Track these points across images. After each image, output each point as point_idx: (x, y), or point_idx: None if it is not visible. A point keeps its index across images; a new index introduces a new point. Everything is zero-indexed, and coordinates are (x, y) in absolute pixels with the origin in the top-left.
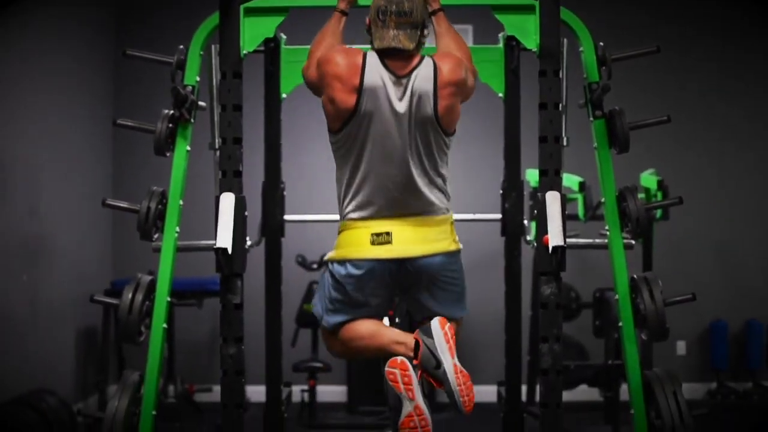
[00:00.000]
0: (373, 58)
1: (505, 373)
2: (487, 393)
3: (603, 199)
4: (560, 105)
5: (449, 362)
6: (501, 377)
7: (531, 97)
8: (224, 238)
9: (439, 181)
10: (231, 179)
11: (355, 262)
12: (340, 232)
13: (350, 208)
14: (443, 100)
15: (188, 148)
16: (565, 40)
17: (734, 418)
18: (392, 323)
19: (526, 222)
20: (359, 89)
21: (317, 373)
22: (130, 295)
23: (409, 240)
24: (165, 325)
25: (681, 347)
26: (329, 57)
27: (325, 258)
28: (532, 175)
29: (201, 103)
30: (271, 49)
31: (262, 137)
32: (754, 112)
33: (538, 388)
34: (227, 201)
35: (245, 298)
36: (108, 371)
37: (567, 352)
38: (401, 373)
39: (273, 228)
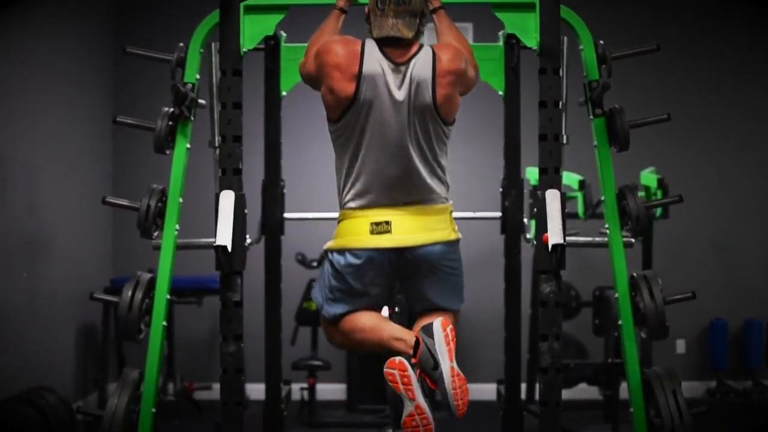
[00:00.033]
0: (371, 46)
1: (505, 371)
2: (486, 391)
3: (603, 198)
4: (560, 103)
5: (447, 365)
6: (501, 375)
7: (531, 95)
8: (224, 236)
9: (438, 170)
10: (231, 177)
11: (355, 252)
12: (339, 222)
13: (349, 196)
14: (442, 89)
15: (188, 145)
16: (565, 38)
17: (733, 416)
18: (391, 314)
19: (525, 220)
20: (358, 77)
21: (317, 371)
22: (129, 293)
23: (408, 229)
24: (165, 323)
25: (680, 346)
26: (328, 47)
27: (325, 247)
28: (532, 173)
29: (201, 101)
30: (271, 46)
31: (262, 135)
32: (753, 111)
33: (537, 386)
34: (227, 199)
35: (245, 296)
36: (108, 369)
37: (566, 350)
38: (400, 373)
39: (273, 226)
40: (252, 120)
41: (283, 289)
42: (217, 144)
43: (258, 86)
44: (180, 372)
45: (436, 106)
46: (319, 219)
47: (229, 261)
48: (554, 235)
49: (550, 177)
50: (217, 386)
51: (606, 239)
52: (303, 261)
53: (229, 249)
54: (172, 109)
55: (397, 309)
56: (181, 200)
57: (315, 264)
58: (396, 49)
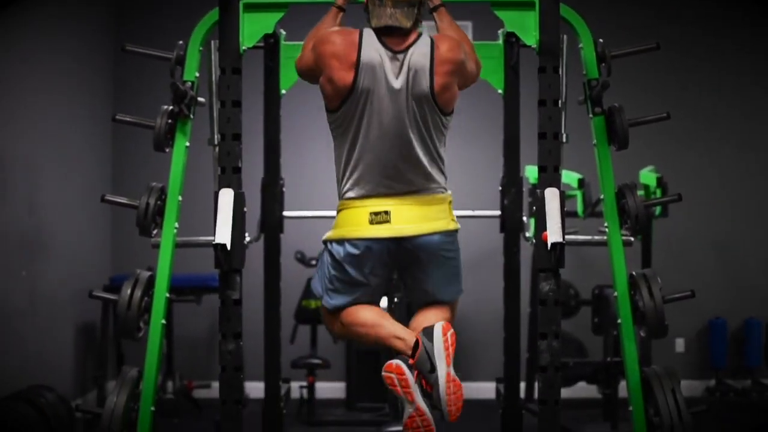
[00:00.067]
0: (369, 35)
1: (504, 369)
2: (485, 389)
3: (602, 196)
4: (559, 102)
5: (443, 370)
6: (500, 374)
7: (530, 94)
8: (223, 234)
9: (438, 160)
10: (230, 175)
11: (354, 242)
12: (338, 212)
13: (348, 186)
14: (439, 77)
15: (187, 143)
16: (565, 36)
17: (733, 415)
18: (390, 305)
19: (525, 219)
20: (356, 65)
21: (316, 370)
22: (129, 291)
23: (407, 219)
24: (164, 321)
25: (680, 344)
26: (325, 37)
27: (324, 238)
28: (531, 172)
29: (200, 99)
30: (270, 45)
31: (262, 133)
32: (753, 111)
33: (536, 384)
34: (226, 197)
35: (244, 294)
36: (107, 367)
37: (566, 349)
38: (398, 376)
39: (272, 224)
40: (251, 118)
41: (282, 287)
42: (216, 142)
43: (257, 84)
44: (179, 370)
45: (433, 94)
46: (318, 217)
47: (229, 259)
48: (553, 234)
49: (550, 175)
50: (216, 384)
51: (605, 238)
52: (302, 259)
53: (229, 247)
54: (171, 107)
55: (396, 299)
56: (180, 198)
57: (314, 262)
58: (394, 38)
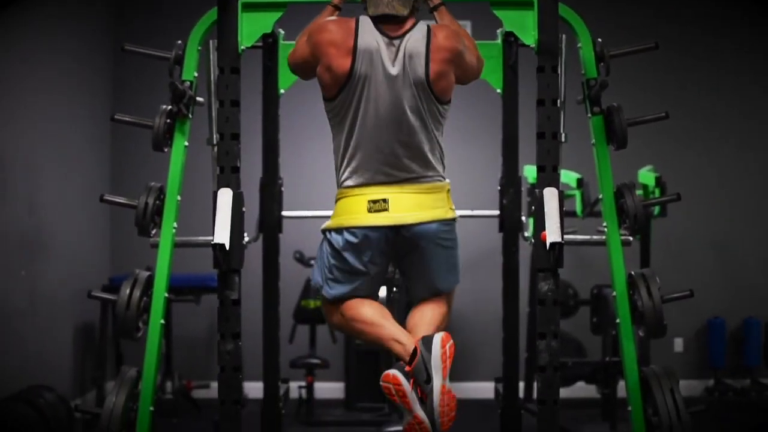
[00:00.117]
0: (366, 22)
1: (503, 369)
2: (484, 389)
3: (601, 196)
4: (558, 101)
5: (439, 381)
6: (498, 374)
7: (529, 93)
8: (222, 234)
9: (437, 148)
10: (229, 175)
11: (352, 230)
12: (337, 201)
13: (346, 174)
14: (435, 64)
15: (186, 143)
16: (564, 36)
17: (731, 415)
18: (389, 294)
19: (523, 218)
20: (353, 51)
21: (315, 370)
22: (127, 291)
23: (405, 207)
24: (163, 321)
25: (678, 344)
26: (322, 26)
27: (322, 227)
28: (530, 172)
29: (199, 99)
30: (269, 44)
31: (260, 133)
32: (752, 110)
33: (535, 384)
34: (225, 197)
35: (243, 294)
36: (106, 367)
37: (564, 348)
38: (395, 387)
39: (271, 224)
40: (250, 118)
41: (281, 287)
42: (215, 142)
43: (256, 84)
44: (178, 370)
45: (428, 81)
46: (317, 217)
47: (227, 259)
48: (552, 234)
49: (548, 175)
50: (215, 384)
51: (604, 237)
52: (301, 259)
53: (227, 247)
54: (170, 107)
55: (395, 289)
56: (179, 198)
57: (313, 262)
58: (391, 25)
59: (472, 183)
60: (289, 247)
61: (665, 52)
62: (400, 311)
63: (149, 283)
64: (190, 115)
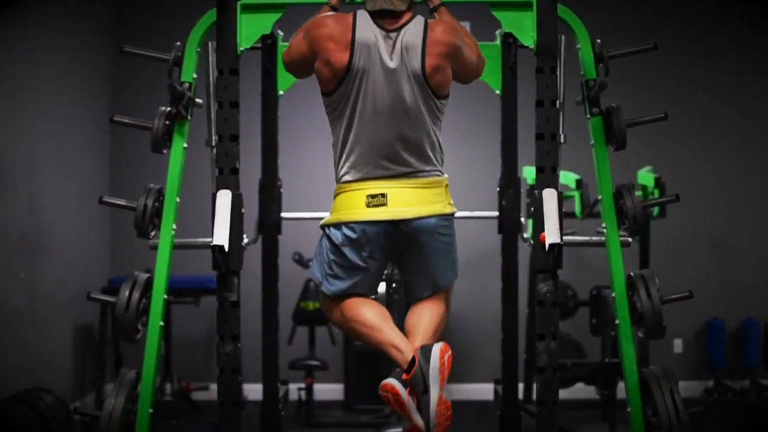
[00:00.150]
0: (364, 16)
1: (502, 370)
2: (483, 391)
3: (600, 197)
4: (557, 102)
5: (436, 393)
6: (498, 375)
7: (528, 94)
8: (221, 236)
9: (436, 142)
10: (228, 176)
11: (351, 225)
12: (335, 196)
13: (345, 169)
14: (431, 58)
15: (185, 145)
16: (563, 37)
17: (731, 416)
18: (388, 295)
19: (523, 219)
20: (352, 45)
21: (314, 371)
22: (127, 293)
23: (404, 201)
24: (162, 323)
25: (678, 345)
26: (319, 21)
27: (321, 223)
28: (529, 173)
29: (198, 100)
30: (268, 45)
31: (259, 134)
32: (751, 109)
33: (534, 386)
34: (224, 198)
35: (242, 295)
36: (105, 369)
37: (564, 350)
38: (393, 396)
39: (270, 225)
40: (249, 119)
41: (280, 288)
42: (214, 143)
43: (255, 85)
44: (177, 372)
45: (424, 74)
46: (316, 219)
47: (226, 261)
48: (551, 235)
49: (547, 176)
50: (214, 386)
51: (603, 238)
52: (300, 261)
53: (226, 249)
54: (169, 109)
55: (394, 285)
56: (178, 200)
57: (312, 264)
58: (388, 19)
59: (472, 184)
60: (288, 248)
61: (664, 51)
62: (400, 312)
63: (148, 284)
64: (189, 117)
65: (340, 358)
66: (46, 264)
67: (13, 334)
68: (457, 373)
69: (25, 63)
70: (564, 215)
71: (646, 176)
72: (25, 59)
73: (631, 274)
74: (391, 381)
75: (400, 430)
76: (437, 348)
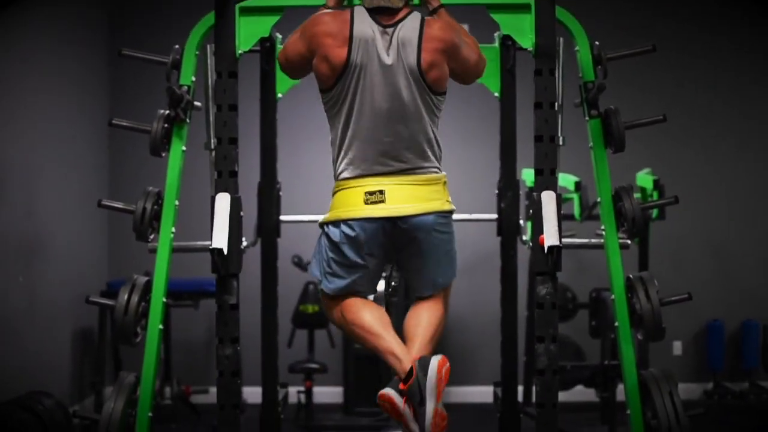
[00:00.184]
0: (361, 12)
1: (501, 373)
2: (483, 393)
3: (599, 199)
4: (556, 104)
5: (431, 405)
6: (497, 377)
7: (527, 97)
8: (220, 239)
9: (433, 139)
10: (227, 179)
11: (350, 223)
12: (334, 194)
13: (343, 165)
14: (427, 54)
15: (184, 148)
16: (561, 39)
17: (730, 418)
18: (387, 287)
19: (522, 222)
20: (350, 40)
21: (314, 374)
22: (126, 296)
23: (402, 198)
24: (161, 326)
25: (677, 347)
26: (316, 19)
27: (320, 221)
28: (528, 175)
29: (196, 103)
30: (266, 48)
31: (258, 137)
32: (751, 109)
33: (534, 388)
34: (223, 201)
35: (241, 298)
36: (104, 372)
37: (563, 352)
38: (389, 406)
39: (269, 228)
40: (248, 122)
41: (279, 291)
42: (212, 146)
43: (254, 88)
44: (177, 375)
45: (420, 69)
46: (315, 221)
47: (225, 264)
48: (550, 237)
49: (546, 178)
50: (213, 389)
51: (602, 241)
52: (299, 263)
53: (225, 252)
54: (167, 112)
55: (394, 283)
56: (177, 203)
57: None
58: (385, 15)
59: (470, 187)
60: (288, 251)
61: (664, 51)
62: (399, 315)
63: (147, 288)
64: (188, 120)
65: (340, 361)
66: (45, 267)
67: (13, 337)
68: (456, 375)
69: (24, 63)
70: (563, 217)
71: (645, 178)
72: (24, 59)
73: (631, 276)
74: (388, 392)
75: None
76: (435, 361)
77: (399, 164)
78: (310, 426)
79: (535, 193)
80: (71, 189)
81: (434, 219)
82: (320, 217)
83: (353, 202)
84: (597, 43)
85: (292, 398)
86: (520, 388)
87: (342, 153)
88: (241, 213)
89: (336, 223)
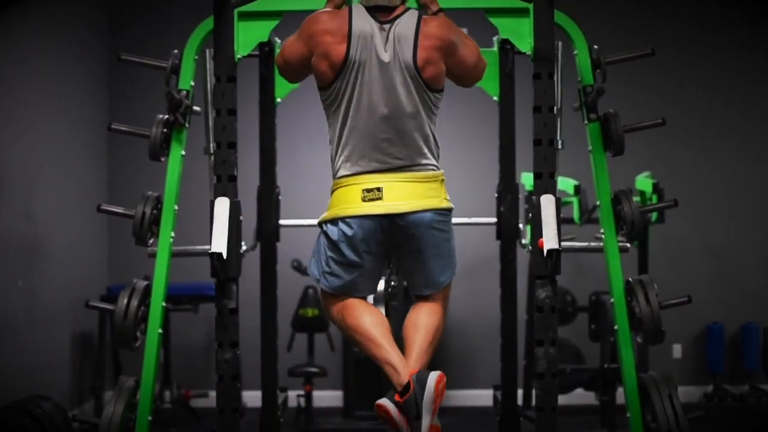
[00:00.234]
0: (359, 9)
1: (501, 376)
2: (483, 397)
3: (598, 202)
4: (555, 108)
5: (427, 421)
6: (497, 381)
7: (526, 100)
8: (219, 243)
9: (431, 137)
10: (226, 184)
11: (347, 220)
12: (332, 192)
13: (340, 162)
14: (423, 51)
15: (183, 152)
16: (560, 43)
17: (730, 421)
18: (387, 286)
19: (521, 225)
20: (348, 37)
21: (313, 378)
22: (125, 301)
23: (399, 195)
24: (161, 331)
25: (677, 350)
26: (314, 18)
27: (318, 220)
28: (527, 179)
29: (196, 108)
30: (265, 53)
31: (257, 142)
32: (752, 109)
33: (534, 391)
34: (222, 206)
35: (241, 302)
36: (104, 377)
37: (563, 355)
38: (385, 416)
39: (268, 232)
40: (247, 126)
41: (279, 295)
42: (212, 151)
43: (253, 93)
44: (176, 379)
45: (416, 66)
46: (314, 226)
47: (225, 268)
48: (549, 241)
49: (545, 182)
50: (213, 393)
51: (601, 244)
52: (299, 267)
53: (225, 256)
54: (166, 116)
55: (393, 283)
56: (176, 207)
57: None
58: (382, 12)
59: (470, 190)
60: (287, 255)
61: (664, 51)
62: (398, 317)
63: (147, 292)
64: (187, 124)
65: (339, 365)
66: (45, 272)
67: (12, 341)
68: (456, 378)
69: (24, 64)
70: (562, 221)
71: (644, 182)
72: (24, 60)
73: (630, 279)
74: (385, 403)
75: None
76: (433, 378)
77: (396, 161)
78: (309, 430)
79: (534, 197)
80: (71, 192)
81: (432, 216)
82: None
83: (351, 200)
84: (596, 47)
85: (292, 402)
86: (520, 392)
87: (339, 150)
88: (241, 217)
89: (334, 221)
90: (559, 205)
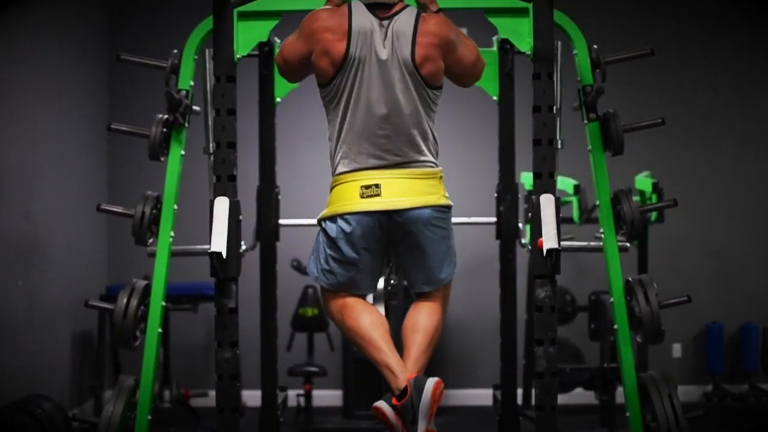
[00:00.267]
0: (358, 5)
1: (501, 376)
2: (482, 396)
3: (598, 202)
4: (554, 108)
5: (423, 426)
6: (496, 380)
7: (525, 100)
8: (219, 243)
9: (429, 134)
10: (225, 183)
11: (346, 217)
12: (331, 189)
13: (339, 159)
14: (421, 48)
15: (182, 152)
16: (559, 42)
17: (730, 420)
18: (387, 285)
19: (520, 225)
20: (348, 33)
21: (313, 378)
22: (125, 300)
23: (397, 192)
24: (160, 330)
25: (676, 350)
26: (313, 16)
27: (318, 218)
28: (526, 178)
29: (195, 108)
30: (265, 53)
31: (257, 141)
32: (751, 110)
33: (533, 391)
34: (222, 205)
35: (240, 302)
36: (103, 376)
37: (562, 355)
38: (382, 418)
39: (268, 232)
40: (247, 126)
41: (278, 295)
42: (211, 150)
43: (252, 92)
44: (176, 379)
45: (414, 63)
46: (314, 225)
47: (224, 267)
48: (549, 240)
49: (545, 182)
50: (213, 393)
51: (601, 244)
52: (298, 267)
53: (224, 255)
54: (166, 116)
55: (393, 281)
56: (175, 207)
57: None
58: (381, 9)
59: (469, 190)
60: (287, 255)
61: (663, 51)
62: (398, 318)
63: (146, 292)
64: (187, 124)
65: (339, 364)
66: (44, 271)
67: (12, 341)
68: (455, 378)
69: (24, 64)
70: (562, 220)
71: (643, 181)
72: (24, 60)
73: (630, 279)
74: (382, 406)
75: None
76: (430, 385)
77: (394, 158)
78: (309, 429)
79: (534, 197)
80: (71, 192)
81: (430, 213)
82: None
83: (349, 196)
84: (595, 46)
85: (292, 401)
86: (520, 391)
87: (338, 147)
88: (240, 217)
89: (333, 218)
90: (559, 204)
